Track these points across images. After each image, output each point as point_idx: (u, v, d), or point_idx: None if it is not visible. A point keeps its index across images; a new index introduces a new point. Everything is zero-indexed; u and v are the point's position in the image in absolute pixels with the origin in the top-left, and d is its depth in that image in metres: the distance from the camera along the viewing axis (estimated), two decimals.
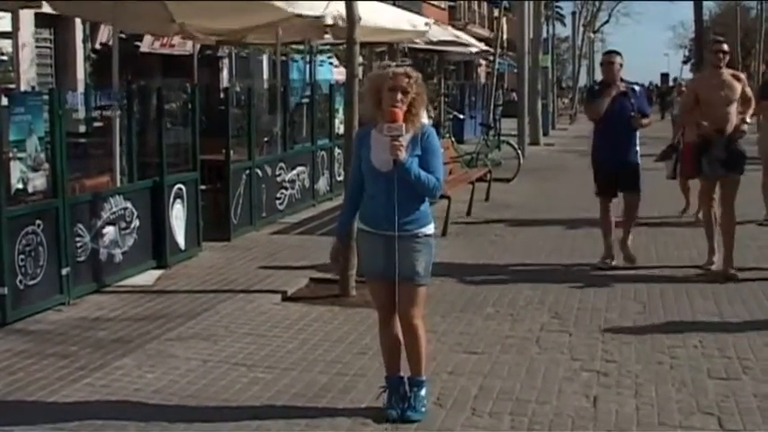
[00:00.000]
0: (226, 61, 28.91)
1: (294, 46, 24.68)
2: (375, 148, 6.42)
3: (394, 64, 6.58)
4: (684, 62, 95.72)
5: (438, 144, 6.60)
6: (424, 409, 6.61)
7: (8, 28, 13.96)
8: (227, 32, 16.37)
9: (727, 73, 11.44)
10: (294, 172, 16.02)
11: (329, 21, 14.72)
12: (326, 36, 16.60)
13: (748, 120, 11.56)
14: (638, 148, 11.91)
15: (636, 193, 11.95)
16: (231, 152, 13.52)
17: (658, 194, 16.23)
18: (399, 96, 6.32)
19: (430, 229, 6.57)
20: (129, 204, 10.87)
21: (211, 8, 13.54)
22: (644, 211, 13.11)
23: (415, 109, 6.42)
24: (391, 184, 6.27)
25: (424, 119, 6.67)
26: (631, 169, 11.76)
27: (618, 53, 12.11)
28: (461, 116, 34.17)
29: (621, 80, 11.92)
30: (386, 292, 6.55)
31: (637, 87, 12.14)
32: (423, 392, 6.63)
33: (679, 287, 10.58)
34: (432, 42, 24.35)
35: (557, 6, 63.74)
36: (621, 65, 11.91)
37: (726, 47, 11.57)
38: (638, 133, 11.92)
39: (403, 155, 6.24)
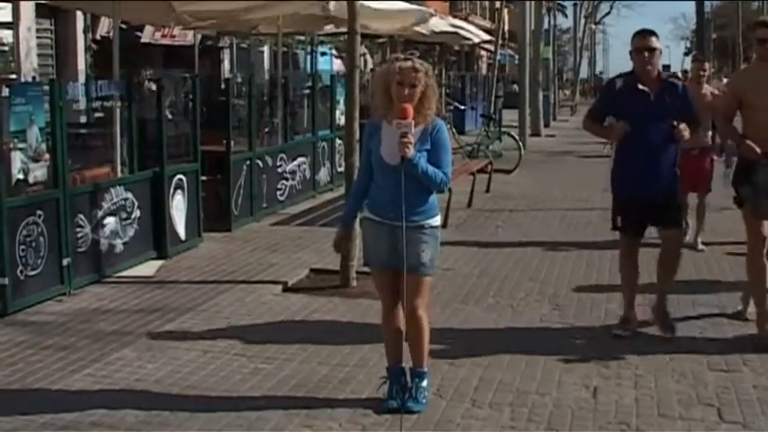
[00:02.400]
0: (227, 52, 28.85)
1: (296, 37, 24.72)
2: (385, 142, 6.42)
3: (402, 57, 6.56)
4: (686, 54, 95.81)
5: (448, 138, 6.60)
6: (424, 401, 6.61)
7: (9, 18, 13.97)
8: (226, 16, 16.27)
9: None
10: (295, 163, 16.02)
11: (332, 8, 14.68)
12: (327, 27, 16.62)
13: None
14: (677, 168, 8.58)
15: (678, 229, 8.71)
16: (232, 143, 13.52)
17: None
18: (407, 91, 6.31)
19: (436, 220, 6.58)
20: (129, 195, 10.88)
21: None
22: None
23: (427, 102, 6.41)
24: (399, 176, 6.27)
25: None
26: (669, 199, 8.43)
27: (655, 34, 8.41)
28: (462, 107, 34.16)
29: (660, 73, 8.43)
30: (390, 281, 6.55)
31: (678, 82, 8.65)
32: (424, 383, 6.64)
33: (680, 278, 10.56)
34: (433, 33, 24.30)
35: None
36: (661, 51, 8.37)
37: None
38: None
39: (411, 152, 6.24)
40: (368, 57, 29.40)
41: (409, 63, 6.42)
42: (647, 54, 8.18)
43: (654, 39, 8.26)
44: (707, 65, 12.45)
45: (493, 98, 32.65)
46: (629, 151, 8.27)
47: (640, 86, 8.17)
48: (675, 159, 8.40)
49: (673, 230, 8.51)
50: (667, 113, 8.10)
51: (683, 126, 8.00)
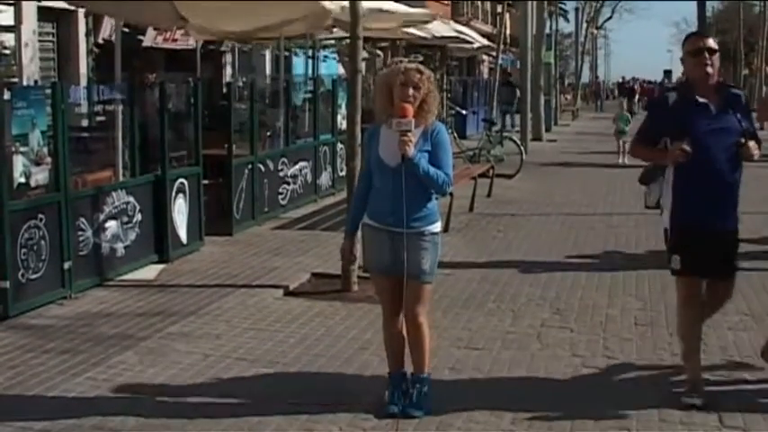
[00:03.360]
0: (228, 56, 28.84)
1: (298, 41, 24.70)
2: (384, 143, 6.42)
3: (406, 60, 6.57)
4: None
5: (448, 140, 6.59)
6: (426, 406, 6.61)
7: (11, 22, 13.98)
8: (240, 33, 16.39)
9: None
10: (296, 167, 16.03)
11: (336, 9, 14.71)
12: (335, 30, 16.65)
13: None
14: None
15: (732, 278, 7.34)
16: (233, 147, 13.52)
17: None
18: (411, 92, 6.32)
19: (437, 227, 6.57)
20: (131, 199, 10.88)
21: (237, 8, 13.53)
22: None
23: (428, 105, 6.42)
24: (399, 178, 6.26)
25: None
26: (736, 235, 7.16)
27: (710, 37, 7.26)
28: (464, 112, 34.15)
29: (720, 81, 7.22)
30: (390, 287, 6.54)
31: (740, 92, 7.42)
32: (425, 389, 6.63)
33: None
34: (434, 38, 24.32)
35: (560, 2, 63.71)
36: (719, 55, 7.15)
37: None
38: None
39: (411, 150, 6.23)
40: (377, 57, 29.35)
41: (414, 65, 6.44)
42: (707, 55, 6.92)
43: (711, 40, 7.07)
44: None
45: (494, 103, 32.65)
46: (690, 176, 6.89)
47: (700, 99, 6.90)
48: (738, 183, 7.06)
49: (730, 280, 7.31)
50: (732, 129, 6.89)
51: (752, 144, 6.86)
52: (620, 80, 68.93)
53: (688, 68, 7.15)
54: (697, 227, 6.92)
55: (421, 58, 6.60)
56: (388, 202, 6.34)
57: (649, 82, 65.90)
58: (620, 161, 24.16)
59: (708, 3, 52.41)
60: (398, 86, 6.35)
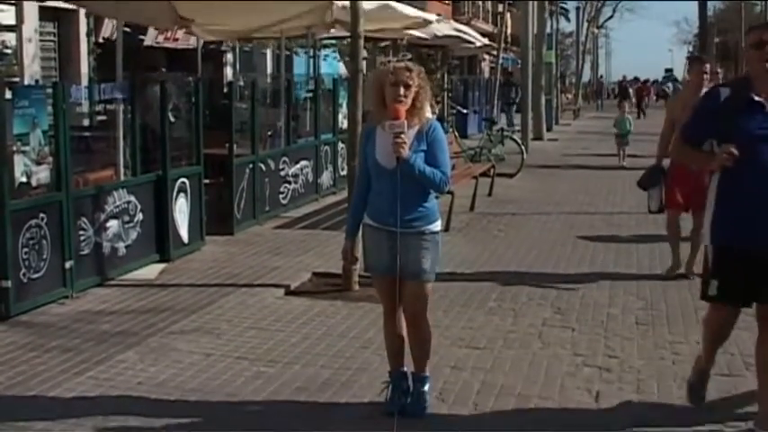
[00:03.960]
0: (229, 55, 28.82)
1: (298, 40, 24.69)
2: (380, 145, 6.40)
3: (395, 59, 6.56)
4: (689, 58, 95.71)
5: (444, 138, 6.56)
6: (426, 405, 6.61)
7: (12, 21, 13.96)
8: (242, 32, 16.41)
9: None
10: (298, 166, 16.03)
11: (338, 6, 14.70)
12: (332, 30, 16.65)
13: None
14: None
15: None
16: (235, 146, 13.52)
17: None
18: (402, 91, 6.29)
19: (437, 226, 6.54)
20: (132, 198, 10.88)
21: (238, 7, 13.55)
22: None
23: (420, 102, 6.37)
24: (396, 179, 6.25)
25: (429, 113, 6.65)
26: None
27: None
28: (465, 111, 34.16)
29: None
30: (391, 287, 6.51)
31: None
32: (426, 388, 6.63)
33: (681, 282, 10.56)
34: (435, 37, 24.29)
35: (561, 1, 63.72)
36: None
37: None
38: None
39: (406, 152, 6.20)
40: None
41: (402, 63, 6.42)
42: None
43: None
44: (708, 66, 10.85)
45: (495, 102, 32.64)
46: (737, 186, 6.09)
47: (756, 98, 6.06)
48: None
49: None
50: None
51: None
52: (620, 79, 68.81)
53: (749, 62, 6.36)
54: (742, 246, 6.04)
55: (409, 56, 6.57)
56: (387, 202, 6.32)
57: (645, 81, 65.71)
58: (621, 163, 24.37)
59: (709, 2, 52.40)
60: (389, 87, 6.32)
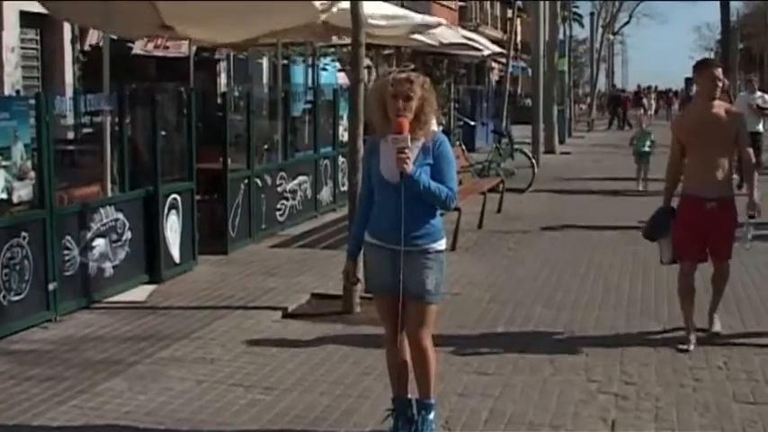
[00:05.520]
0: (223, 64, 28.92)
1: (296, 48, 24.73)
2: (384, 159, 6.41)
3: (396, 70, 6.55)
4: None
5: (451, 152, 6.56)
6: None
7: None
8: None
9: None
10: (295, 182, 16.04)
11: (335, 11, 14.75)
12: (333, 38, 16.71)
13: None
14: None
15: None
16: (229, 160, 13.53)
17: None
18: (402, 104, 6.29)
19: (441, 244, 6.53)
20: (120, 215, 10.89)
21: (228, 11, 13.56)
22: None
23: (424, 116, 6.38)
24: (400, 195, 6.26)
25: (434, 126, 6.65)
26: None
27: None
28: (472, 123, 34.19)
29: None
30: (393, 309, 6.50)
31: None
32: (431, 416, 6.61)
33: (702, 305, 10.54)
34: (441, 45, 24.34)
35: (574, 6, 63.82)
36: None
37: None
38: None
39: (410, 167, 6.21)
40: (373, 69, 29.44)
41: (403, 75, 6.41)
42: None
43: None
44: (720, 71, 9.26)
45: (504, 113, 32.68)
46: None
47: None
48: None
49: None
50: None
51: None
52: (636, 89, 68.73)
53: None
54: None
55: (412, 67, 6.54)
56: (389, 218, 6.32)
57: (646, 88, 65.57)
58: (640, 188, 22.07)
59: (732, 5, 52.44)
60: (390, 99, 6.32)
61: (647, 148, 22.60)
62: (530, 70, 41.06)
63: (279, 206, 15.34)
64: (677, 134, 9.31)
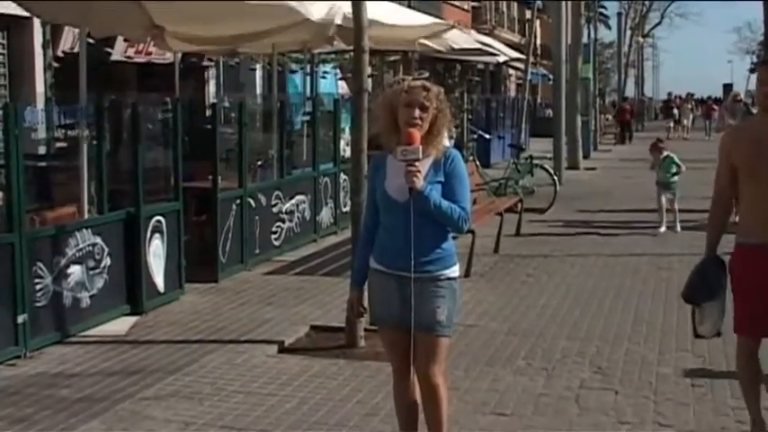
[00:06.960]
0: (212, 72, 28.96)
1: (293, 55, 24.78)
2: (391, 175, 6.39)
3: (410, 78, 6.53)
4: (752, 71, 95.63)
5: (464, 169, 6.55)
6: None
7: None
8: (215, 40, 16.45)
9: None
10: (293, 201, 16.05)
11: (338, 21, 14.77)
12: (336, 43, 16.73)
13: None
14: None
15: None
16: (219, 178, 13.54)
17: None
18: (417, 113, 6.28)
19: (454, 271, 6.52)
20: (98, 240, 10.88)
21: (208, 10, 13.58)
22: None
23: (437, 129, 6.37)
24: (409, 215, 6.24)
25: (446, 140, 6.64)
26: None
27: None
28: (487, 136, 34.24)
29: None
30: (401, 342, 6.49)
31: None
32: None
33: None
34: (453, 50, 24.36)
35: (600, 6, 63.91)
36: None
37: None
38: None
39: (420, 182, 6.19)
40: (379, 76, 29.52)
41: (419, 82, 6.40)
42: None
43: None
44: None
45: (522, 125, 32.74)
46: None
47: None
48: None
49: None
50: None
51: None
52: (667, 96, 68.69)
53: None
54: None
55: (426, 74, 6.54)
56: (397, 242, 6.30)
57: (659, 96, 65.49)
58: (662, 229, 18.53)
59: None
60: (402, 108, 6.32)
61: (674, 178, 19.04)
62: (550, 77, 41.15)
63: (274, 229, 15.34)
64: (727, 154, 7.27)
